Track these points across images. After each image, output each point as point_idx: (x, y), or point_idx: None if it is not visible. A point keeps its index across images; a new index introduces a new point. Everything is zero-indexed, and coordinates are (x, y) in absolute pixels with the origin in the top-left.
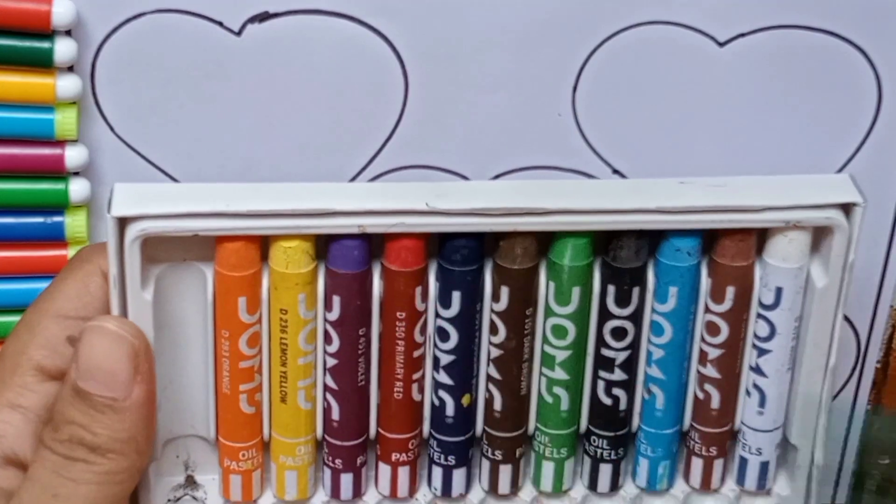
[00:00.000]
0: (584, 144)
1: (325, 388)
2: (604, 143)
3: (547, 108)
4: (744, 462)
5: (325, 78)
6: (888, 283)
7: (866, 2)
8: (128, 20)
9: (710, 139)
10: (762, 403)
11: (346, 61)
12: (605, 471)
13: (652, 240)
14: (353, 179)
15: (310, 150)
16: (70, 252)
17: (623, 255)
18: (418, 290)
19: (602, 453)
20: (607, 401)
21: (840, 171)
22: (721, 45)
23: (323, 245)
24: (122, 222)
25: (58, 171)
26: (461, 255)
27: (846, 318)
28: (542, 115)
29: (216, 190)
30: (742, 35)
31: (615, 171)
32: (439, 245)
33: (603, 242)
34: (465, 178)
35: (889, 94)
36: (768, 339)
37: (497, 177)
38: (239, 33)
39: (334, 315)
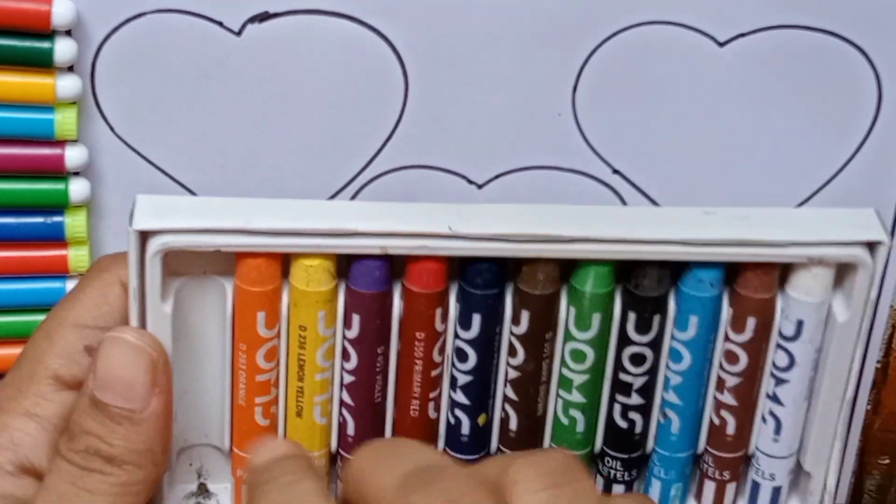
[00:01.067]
0: (584, 144)
1: (342, 403)
2: (604, 143)
3: (547, 108)
4: (756, 486)
5: (325, 78)
6: (888, 284)
7: (866, 2)
8: (128, 20)
9: (710, 139)
10: (778, 431)
11: (346, 61)
12: (618, 491)
13: (674, 269)
14: (352, 179)
15: (310, 150)
16: (70, 252)
17: (645, 284)
18: (438, 311)
19: (615, 474)
20: (623, 424)
21: (841, 170)
22: (721, 45)
23: (344, 263)
24: (144, 235)
25: (58, 171)
26: (483, 278)
27: None
28: (542, 115)
29: (239, 205)
30: (742, 35)
31: (615, 172)
32: (461, 268)
33: (625, 270)
34: (465, 177)
35: (889, 94)
36: (787, 369)
37: (497, 177)
38: (239, 33)
39: (353, 333)
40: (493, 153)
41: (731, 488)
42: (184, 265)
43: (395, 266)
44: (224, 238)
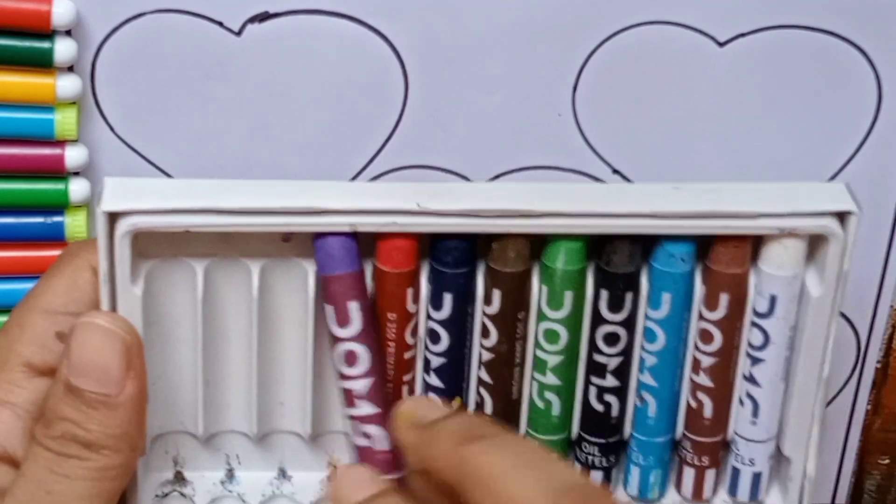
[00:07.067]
0: (584, 144)
1: None
2: (604, 143)
3: (547, 108)
4: (736, 472)
5: (325, 78)
6: (888, 284)
7: (866, 2)
8: (128, 20)
9: (710, 139)
10: (755, 413)
11: (346, 61)
12: (596, 478)
13: (646, 245)
14: (353, 179)
15: (310, 150)
16: None
17: (616, 259)
18: (409, 291)
19: (593, 460)
20: (599, 407)
21: (841, 170)
22: (721, 45)
23: None
24: (113, 217)
25: (58, 171)
26: (453, 256)
27: (847, 319)
28: (542, 115)
29: (208, 186)
30: (742, 35)
31: (615, 171)
32: (431, 246)
33: (596, 247)
34: (465, 178)
35: (889, 95)
36: (762, 347)
37: (497, 177)
38: (239, 33)
39: None
40: (493, 153)
41: (710, 475)
42: (154, 248)
43: (366, 246)
44: (192, 218)
